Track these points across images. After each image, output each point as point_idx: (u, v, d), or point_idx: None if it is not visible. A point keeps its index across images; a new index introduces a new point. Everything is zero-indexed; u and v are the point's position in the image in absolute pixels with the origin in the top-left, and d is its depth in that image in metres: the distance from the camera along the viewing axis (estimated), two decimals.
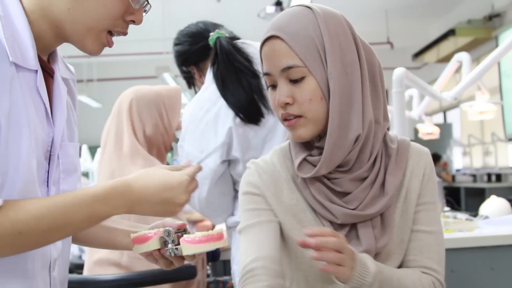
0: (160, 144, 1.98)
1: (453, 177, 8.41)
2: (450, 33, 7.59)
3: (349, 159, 1.06)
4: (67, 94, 1.07)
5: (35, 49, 0.93)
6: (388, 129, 1.14)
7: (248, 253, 1.07)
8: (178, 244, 1.01)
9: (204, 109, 1.74)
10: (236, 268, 1.74)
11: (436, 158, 8.34)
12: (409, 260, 1.10)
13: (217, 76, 1.75)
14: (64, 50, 1.08)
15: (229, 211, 1.82)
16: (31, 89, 0.92)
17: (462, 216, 2.45)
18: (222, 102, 1.73)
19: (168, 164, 1.94)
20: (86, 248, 2.15)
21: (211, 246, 0.98)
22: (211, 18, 2.17)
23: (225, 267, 2.41)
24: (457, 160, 9.59)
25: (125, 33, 1.00)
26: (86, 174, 7.04)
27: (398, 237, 1.09)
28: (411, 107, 4.08)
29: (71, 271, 2.05)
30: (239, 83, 1.72)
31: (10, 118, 0.86)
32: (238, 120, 1.71)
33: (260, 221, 1.10)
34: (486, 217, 2.40)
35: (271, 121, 1.73)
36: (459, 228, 2.11)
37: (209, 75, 1.79)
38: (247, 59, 1.76)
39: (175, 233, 1.03)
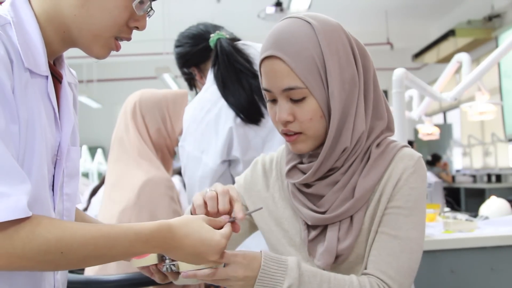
0: (164, 148, 1.99)
1: (453, 178, 8.39)
2: (450, 33, 7.59)
3: (334, 167, 1.09)
4: None
5: (46, 55, 0.93)
6: (391, 129, 1.14)
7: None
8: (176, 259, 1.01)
9: (205, 110, 1.75)
10: None
11: (436, 158, 8.35)
12: (368, 261, 1.06)
13: (218, 77, 1.76)
14: None
15: None
16: (43, 95, 0.92)
17: (462, 216, 2.45)
18: (222, 103, 1.74)
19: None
20: None
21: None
22: (211, 19, 2.17)
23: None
24: (457, 160, 9.58)
25: (129, 39, 1.01)
26: (86, 175, 7.05)
27: (369, 241, 1.08)
28: (411, 107, 4.08)
29: (72, 270, 2.05)
30: (240, 83, 1.73)
31: (28, 125, 0.87)
32: (238, 120, 1.72)
33: None
34: (486, 218, 2.40)
35: (271, 121, 1.73)
36: (459, 229, 2.11)
37: (210, 76, 1.80)
38: (248, 60, 1.76)
39: None
